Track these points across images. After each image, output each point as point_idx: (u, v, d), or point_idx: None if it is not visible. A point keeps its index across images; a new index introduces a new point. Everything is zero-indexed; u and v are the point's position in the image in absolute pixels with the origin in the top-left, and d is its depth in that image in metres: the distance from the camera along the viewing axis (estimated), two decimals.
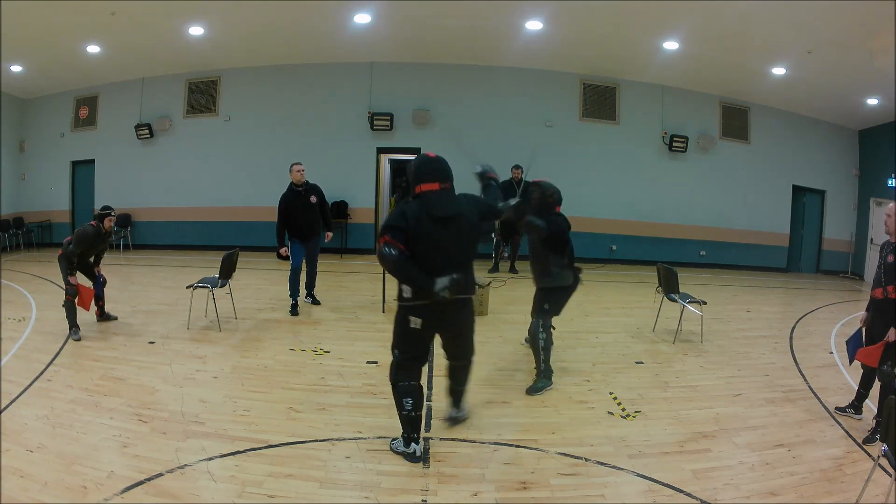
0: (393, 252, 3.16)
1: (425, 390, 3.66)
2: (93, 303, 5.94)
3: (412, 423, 3.49)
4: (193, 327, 6.13)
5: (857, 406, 4.35)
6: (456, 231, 3.32)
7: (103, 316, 6.25)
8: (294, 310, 6.74)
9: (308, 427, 3.90)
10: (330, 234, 7.03)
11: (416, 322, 3.36)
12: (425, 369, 4.43)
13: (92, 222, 5.88)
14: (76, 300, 5.65)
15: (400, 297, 3.39)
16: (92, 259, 6.18)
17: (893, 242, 4.03)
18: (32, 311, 6.59)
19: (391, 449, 3.60)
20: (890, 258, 3.98)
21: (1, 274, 8.58)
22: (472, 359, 3.77)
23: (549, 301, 4.78)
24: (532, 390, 4.63)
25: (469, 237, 3.43)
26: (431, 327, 3.44)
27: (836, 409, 4.46)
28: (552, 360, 4.78)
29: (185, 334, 5.92)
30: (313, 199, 6.75)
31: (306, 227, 6.71)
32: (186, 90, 11.44)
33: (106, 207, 5.93)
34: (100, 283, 6.18)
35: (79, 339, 5.57)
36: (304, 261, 6.82)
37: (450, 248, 3.32)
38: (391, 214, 3.36)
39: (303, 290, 6.96)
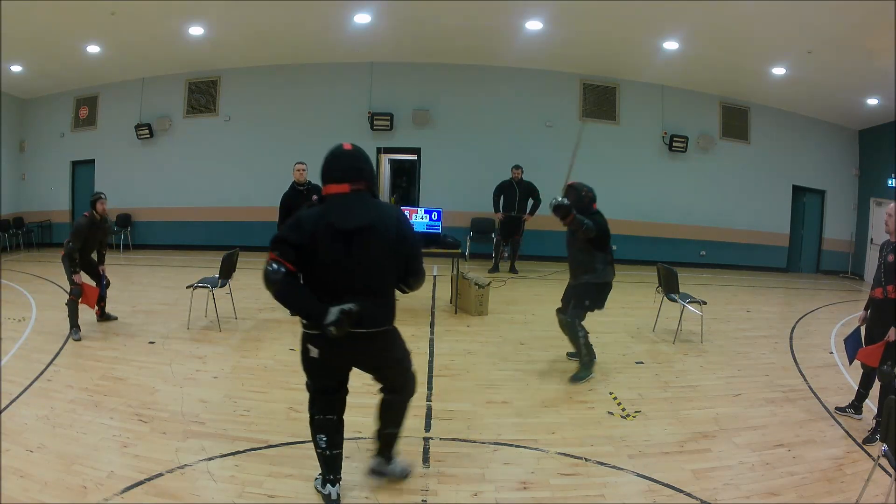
0: (280, 272, 2.58)
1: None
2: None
3: (327, 463, 2.98)
4: (193, 327, 6.13)
5: (857, 406, 4.35)
6: (363, 247, 2.67)
7: (103, 316, 6.25)
8: None
9: (308, 427, 3.86)
10: None
11: (314, 352, 2.77)
12: (423, 369, 4.45)
13: (85, 213, 5.87)
14: (80, 299, 5.66)
15: (301, 320, 2.78)
16: (95, 257, 6.19)
17: (893, 242, 4.03)
18: (32, 311, 6.59)
19: (314, 487, 3.12)
20: (890, 258, 3.98)
21: (1, 274, 8.59)
22: (411, 392, 3.10)
23: (591, 298, 4.91)
24: (575, 378, 4.86)
25: (381, 257, 2.73)
26: (336, 360, 2.84)
27: (836, 409, 4.46)
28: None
29: (185, 334, 5.92)
30: (315, 198, 6.74)
31: None
32: (186, 90, 11.44)
33: (95, 193, 5.91)
34: (104, 285, 6.17)
35: (79, 339, 5.57)
36: None
37: (353, 270, 2.67)
38: (287, 223, 2.74)
39: None
